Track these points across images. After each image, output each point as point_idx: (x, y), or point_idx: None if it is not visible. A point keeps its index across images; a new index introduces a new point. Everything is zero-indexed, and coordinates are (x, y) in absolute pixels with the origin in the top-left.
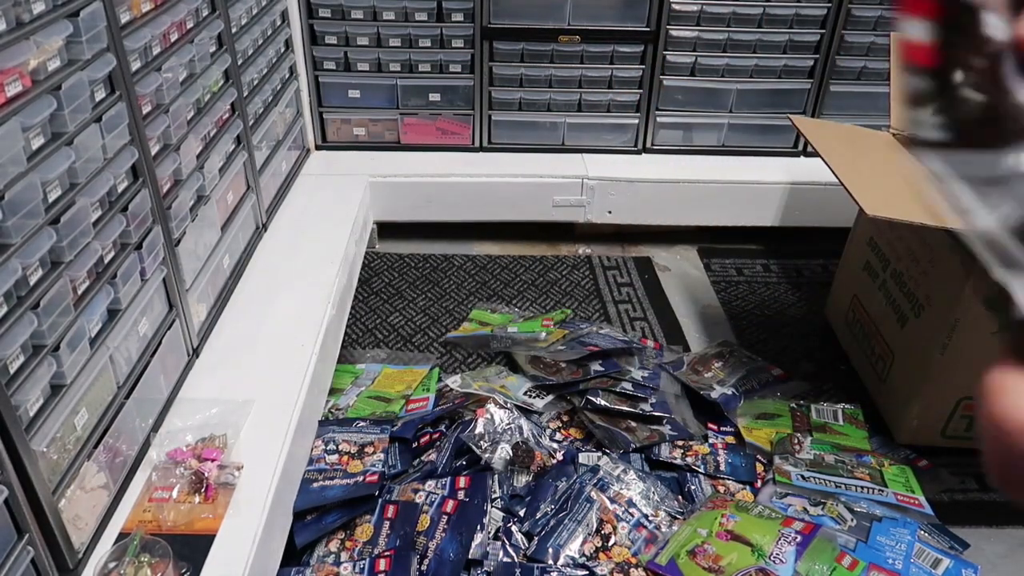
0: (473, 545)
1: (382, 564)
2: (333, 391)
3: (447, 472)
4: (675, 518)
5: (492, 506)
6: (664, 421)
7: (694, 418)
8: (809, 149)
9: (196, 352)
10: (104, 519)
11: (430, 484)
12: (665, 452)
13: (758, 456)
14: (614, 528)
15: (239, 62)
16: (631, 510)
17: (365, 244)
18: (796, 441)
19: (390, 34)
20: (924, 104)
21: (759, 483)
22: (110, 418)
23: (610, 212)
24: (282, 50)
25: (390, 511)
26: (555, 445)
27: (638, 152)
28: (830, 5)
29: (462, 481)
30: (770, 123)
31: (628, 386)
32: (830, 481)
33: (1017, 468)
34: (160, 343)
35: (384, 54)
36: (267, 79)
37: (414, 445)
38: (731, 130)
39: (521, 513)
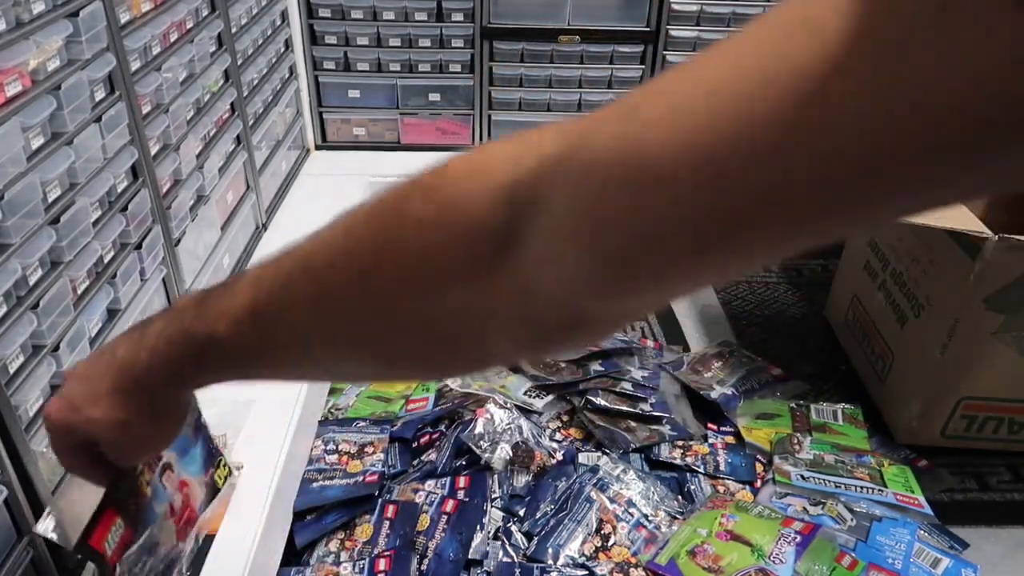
0: (473, 545)
1: (382, 564)
2: (333, 391)
3: (447, 472)
4: (675, 518)
5: (492, 506)
6: (664, 421)
7: (694, 418)
8: None
9: None
10: None
11: (430, 484)
12: (665, 452)
13: (758, 456)
14: (614, 528)
15: (239, 62)
16: (631, 510)
17: None
18: (796, 441)
19: (390, 34)
20: None
21: (759, 483)
22: None
23: None
24: (282, 50)
25: (390, 511)
26: (555, 445)
27: None
28: None
29: (462, 481)
30: None
31: (628, 386)
32: (830, 481)
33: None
34: None
35: (384, 54)
36: (267, 79)
37: (414, 445)
38: None
39: (521, 513)
